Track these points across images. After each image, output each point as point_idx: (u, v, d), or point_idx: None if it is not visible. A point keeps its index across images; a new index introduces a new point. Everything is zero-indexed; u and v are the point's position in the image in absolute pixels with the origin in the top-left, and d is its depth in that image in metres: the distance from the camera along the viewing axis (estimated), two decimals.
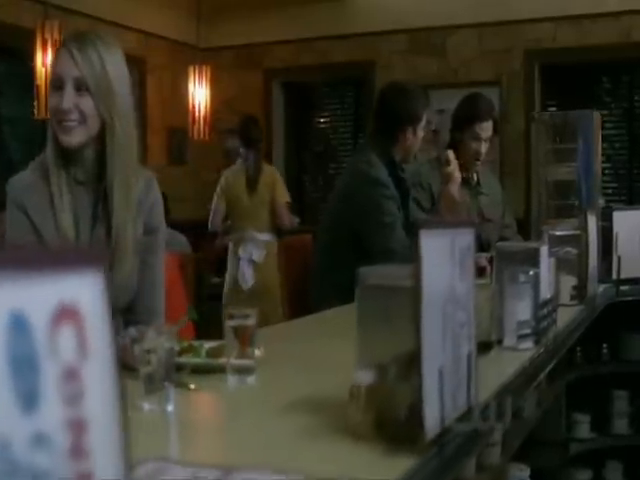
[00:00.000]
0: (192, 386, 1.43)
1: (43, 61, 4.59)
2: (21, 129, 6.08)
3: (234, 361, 1.47)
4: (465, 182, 3.38)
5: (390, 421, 1.08)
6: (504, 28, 6.25)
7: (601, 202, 3.51)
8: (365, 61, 6.72)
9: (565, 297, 2.45)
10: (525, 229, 4.14)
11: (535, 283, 1.78)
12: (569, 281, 2.48)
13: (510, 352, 1.76)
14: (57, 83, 1.76)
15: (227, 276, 5.31)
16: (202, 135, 6.43)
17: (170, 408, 1.30)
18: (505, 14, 6.21)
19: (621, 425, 3.35)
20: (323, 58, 6.88)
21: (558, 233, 2.54)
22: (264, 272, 5.06)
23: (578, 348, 3.16)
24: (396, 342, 1.11)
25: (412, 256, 1.03)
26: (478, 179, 3.60)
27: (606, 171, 6.15)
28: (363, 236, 3.00)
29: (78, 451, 0.50)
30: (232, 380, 1.47)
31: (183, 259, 3.57)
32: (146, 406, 1.29)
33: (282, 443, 1.12)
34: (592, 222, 2.61)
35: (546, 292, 1.87)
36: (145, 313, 1.91)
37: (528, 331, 1.77)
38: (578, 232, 2.54)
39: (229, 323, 1.48)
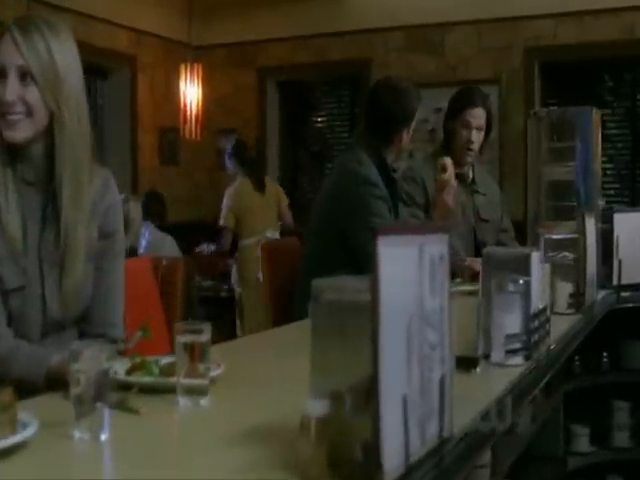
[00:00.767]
0: (143, 410, 1.28)
1: None
2: None
3: (184, 381, 1.31)
4: (459, 179, 3.24)
5: (345, 459, 0.93)
6: (503, 25, 6.13)
7: (601, 203, 3.36)
8: (361, 59, 6.59)
9: (561, 305, 2.31)
10: (523, 232, 4.01)
11: (526, 292, 1.62)
12: (566, 288, 2.33)
13: (498, 369, 1.60)
14: None
15: (242, 275, 5.44)
16: (194, 135, 6.31)
17: (104, 437, 1.14)
18: (504, 10, 6.10)
19: (622, 438, 3.23)
20: (318, 56, 6.76)
21: (554, 237, 2.40)
22: None
23: (577, 357, 3.06)
24: (354, 367, 0.95)
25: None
26: (473, 177, 3.46)
27: (608, 172, 6.02)
28: (349, 236, 2.86)
29: None
30: (183, 402, 1.32)
31: (172, 262, 3.42)
32: (76, 434, 1.14)
33: None
34: (590, 225, 2.46)
35: (538, 302, 1.71)
36: (100, 324, 1.75)
37: (518, 345, 1.61)
38: (576, 236, 2.39)
39: (180, 339, 1.32)
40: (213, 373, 1.43)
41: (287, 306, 3.03)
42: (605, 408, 3.24)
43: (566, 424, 3.07)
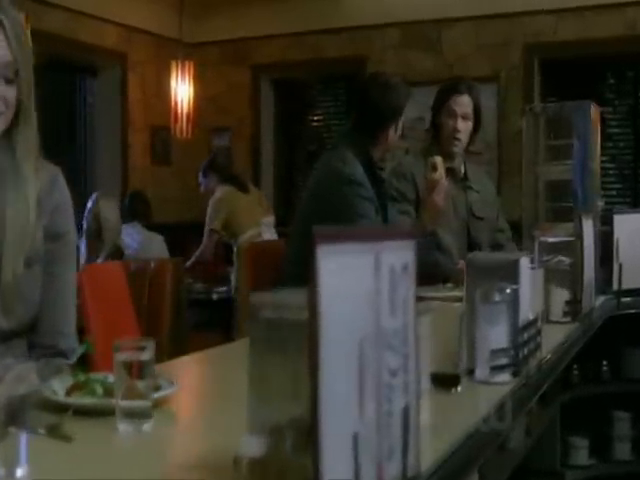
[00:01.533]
0: (74, 436, 1.12)
1: None
2: None
3: (123, 403, 1.16)
4: (450, 173, 3.10)
5: None
6: (502, 21, 6.00)
7: (601, 204, 3.22)
8: (357, 56, 6.45)
9: (557, 314, 2.16)
10: (521, 233, 3.87)
11: (513, 302, 1.47)
12: (561, 295, 2.18)
13: (482, 387, 1.45)
14: None
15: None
16: (185, 133, 6.17)
17: (20, 473, 0.99)
18: (503, 6, 5.97)
19: (622, 450, 3.13)
20: (313, 53, 6.63)
21: (550, 240, 2.25)
22: None
23: (575, 366, 2.93)
24: (297, 395, 0.80)
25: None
26: (466, 172, 3.31)
27: (610, 171, 5.88)
28: None
29: None
30: (122, 427, 1.17)
31: (160, 265, 3.27)
32: None
33: None
34: (588, 227, 2.31)
35: (528, 312, 1.56)
36: (50, 334, 1.61)
37: (504, 361, 1.45)
38: (572, 239, 2.23)
39: (118, 357, 1.17)
40: (163, 392, 1.28)
41: None
42: (605, 419, 3.14)
43: (564, 436, 2.95)
